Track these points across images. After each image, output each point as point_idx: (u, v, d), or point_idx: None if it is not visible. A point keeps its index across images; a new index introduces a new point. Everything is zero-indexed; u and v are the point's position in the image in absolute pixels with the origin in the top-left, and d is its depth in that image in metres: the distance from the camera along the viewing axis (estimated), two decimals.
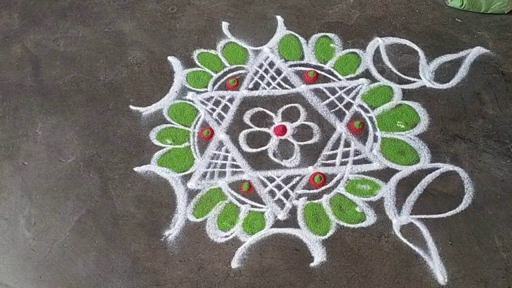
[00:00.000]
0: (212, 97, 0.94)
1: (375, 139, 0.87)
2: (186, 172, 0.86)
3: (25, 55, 1.03)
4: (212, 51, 1.00)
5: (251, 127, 0.90)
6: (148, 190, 0.84)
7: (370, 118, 0.89)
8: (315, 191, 0.83)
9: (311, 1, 1.05)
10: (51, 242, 0.80)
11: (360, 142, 0.88)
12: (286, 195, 0.83)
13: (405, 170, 0.84)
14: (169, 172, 0.86)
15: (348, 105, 0.91)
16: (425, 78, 0.93)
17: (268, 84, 0.95)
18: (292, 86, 0.95)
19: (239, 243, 0.78)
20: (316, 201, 0.82)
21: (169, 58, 1.00)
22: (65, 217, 0.82)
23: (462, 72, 0.93)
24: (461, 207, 0.79)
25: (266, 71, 0.97)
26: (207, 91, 0.95)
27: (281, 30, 1.03)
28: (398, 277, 0.72)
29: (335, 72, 0.95)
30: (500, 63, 0.93)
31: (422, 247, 0.75)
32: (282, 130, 0.89)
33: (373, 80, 0.94)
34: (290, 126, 0.90)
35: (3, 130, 0.93)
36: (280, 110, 0.92)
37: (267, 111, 0.92)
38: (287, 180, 0.84)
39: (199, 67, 0.98)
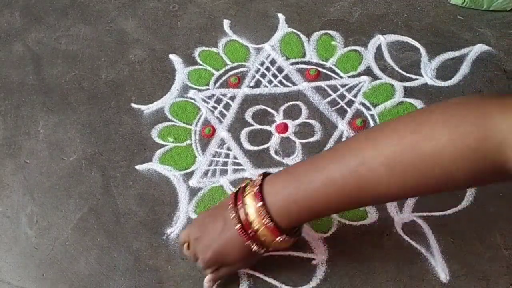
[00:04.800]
0: (213, 95, 0.94)
1: None
2: (188, 170, 0.86)
3: (26, 53, 1.03)
4: (214, 49, 1.00)
5: (252, 125, 0.90)
6: (150, 188, 0.84)
7: (372, 115, 0.89)
8: None
9: None
10: (53, 240, 0.80)
11: None
12: None
13: None
14: (170, 170, 0.86)
15: (350, 103, 0.91)
16: (427, 75, 0.92)
17: (270, 82, 0.95)
18: (294, 84, 0.94)
19: None
20: None
21: (171, 56, 0.99)
22: (67, 215, 0.82)
23: (464, 69, 0.93)
24: (463, 204, 0.78)
25: (267, 69, 0.97)
26: (208, 89, 0.95)
27: (283, 28, 1.02)
28: (400, 274, 0.72)
29: (337, 70, 0.95)
30: (502, 60, 0.93)
31: (424, 244, 0.75)
32: (284, 128, 0.89)
33: (375, 77, 0.93)
34: (291, 124, 0.90)
35: (5, 129, 0.93)
36: (282, 108, 0.91)
37: (269, 109, 0.92)
38: None
39: (200, 65, 0.98)
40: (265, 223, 0.51)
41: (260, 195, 0.52)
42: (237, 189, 0.59)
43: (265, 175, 0.57)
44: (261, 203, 0.51)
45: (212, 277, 0.63)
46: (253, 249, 0.54)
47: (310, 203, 0.49)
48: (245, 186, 0.56)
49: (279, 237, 0.52)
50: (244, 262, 0.60)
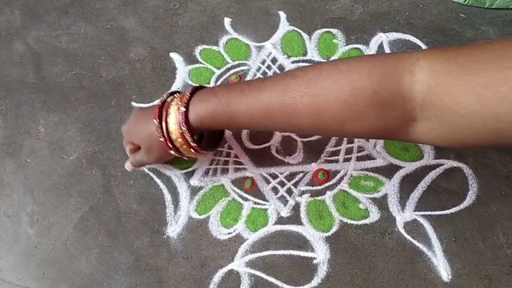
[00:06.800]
0: None
1: None
2: (189, 169, 0.85)
3: (27, 52, 1.03)
4: (215, 47, 1.00)
5: None
6: (150, 187, 0.83)
7: None
8: (318, 187, 0.82)
9: None
10: (54, 239, 0.80)
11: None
12: (289, 191, 0.82)
13: (408, 167, 0.83)
14: (171, 169, 0.85)
15: None
16: None
17: None
18: None
19: (242, 240, 0.78)
20: (319, 197, 0.81)
21: (171, 54, 0.99)
22: (67, 214, 0.82)
23: None
24: (465, 203, 0.78)
25: (268, 67, 0.96)
26: None
27: (284, 26, 1.02)
28: (401, 273, 0.72)
29: None
30: None
31: (426, 243, 0.74)
32: None
33: None
34: None
35: (6, 128, 0.93)
36: None
37: None
38: (290, 176, 0.84)
39: (201, 63, 0.98)
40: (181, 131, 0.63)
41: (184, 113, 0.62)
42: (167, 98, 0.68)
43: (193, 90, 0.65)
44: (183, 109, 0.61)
45: (131, 161, 0.77)
46: (171, 152, 0.67)
47: (232, 111, 0.59)
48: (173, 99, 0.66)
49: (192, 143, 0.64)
50: (160, 155, 0.71)
